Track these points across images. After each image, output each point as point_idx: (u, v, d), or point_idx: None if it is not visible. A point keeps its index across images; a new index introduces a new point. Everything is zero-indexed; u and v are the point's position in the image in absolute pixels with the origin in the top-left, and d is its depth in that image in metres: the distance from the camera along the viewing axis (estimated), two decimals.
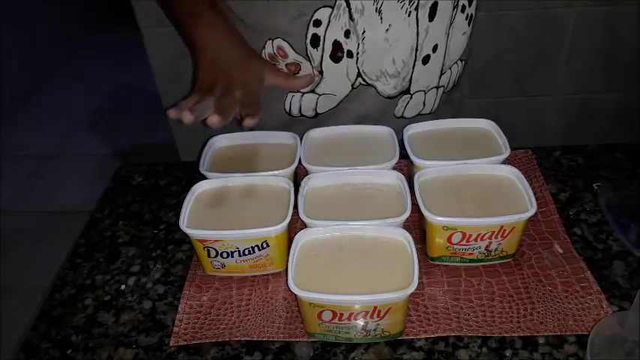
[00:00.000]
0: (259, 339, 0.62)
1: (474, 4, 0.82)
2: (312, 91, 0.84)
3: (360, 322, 0.58)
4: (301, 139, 0.78)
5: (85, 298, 0.70)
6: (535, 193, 0.67)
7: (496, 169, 0.71)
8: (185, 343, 0.63)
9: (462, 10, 0.81)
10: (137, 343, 0.64)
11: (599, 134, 1.48)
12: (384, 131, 0.79)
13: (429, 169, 0.71)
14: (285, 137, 0.79)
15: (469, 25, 0.84)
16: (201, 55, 0.71)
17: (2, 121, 2.68)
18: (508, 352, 0.59)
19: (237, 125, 0.76)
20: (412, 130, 0.78)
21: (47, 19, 3.13)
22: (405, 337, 0.61)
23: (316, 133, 0.80)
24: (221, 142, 0.80)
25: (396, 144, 0.76)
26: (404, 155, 0.74)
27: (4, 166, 2.44)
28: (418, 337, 0.61)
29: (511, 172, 0.70)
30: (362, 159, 0.73)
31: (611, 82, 1.40)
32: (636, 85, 1.39)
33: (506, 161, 0.72)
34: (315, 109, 0.86)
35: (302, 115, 0.87)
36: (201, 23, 0.73)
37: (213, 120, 0.60)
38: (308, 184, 0.70)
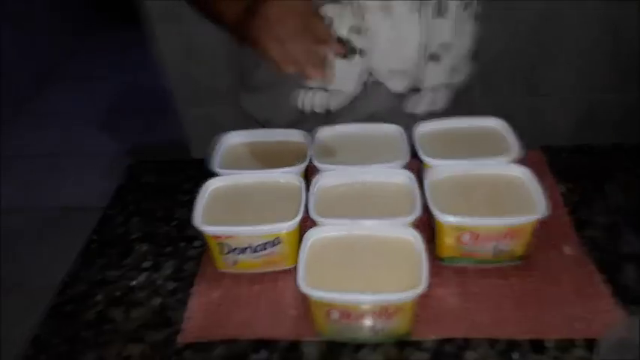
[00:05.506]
0: (267, 337, 0.63)
1: (480, 1, 0.82)
2: (324, 89, 0.84)
3: (369, 322, 0.58)
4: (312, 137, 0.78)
5: (95, 294, 0.70)
6: (545, 194, 0.66)
7: (507, 168, 0.70)
8: (194, 340, 0.63)
9: (465, 9, 0.81)
10: (146, 339, 0.64)
11: (610, 134, 1.47)
12: (394, 130, 0.79)
13: (439, 169, 0.70)
14: (296, 135, 0.79)
15: (475, 22, 0.83)
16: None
17: (5, 121, 2.69)
18: (516, 355, 0.59)
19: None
20: (422, 128, 0.78)
21: (48, 19, 3.13)
22: (413, 338, 0.61)
23: (327, 132, 0.80)
24: (232, 139, 0.80)
25: (407, 143, 0.76)
26: (414, 154, 0.74)
27: (7, 166, 2.45)
28: (426, 338, 0.61)
29: (522, 172, 0.69)
30: (372, 158, 0.73)
31: (622, 81, 1.39)
32: None
33: (516, 161, 0.71)
34: (327, 107, 0.86)
35: (314, 112, 0.87)
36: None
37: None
38: (318, 183, 0.70)
